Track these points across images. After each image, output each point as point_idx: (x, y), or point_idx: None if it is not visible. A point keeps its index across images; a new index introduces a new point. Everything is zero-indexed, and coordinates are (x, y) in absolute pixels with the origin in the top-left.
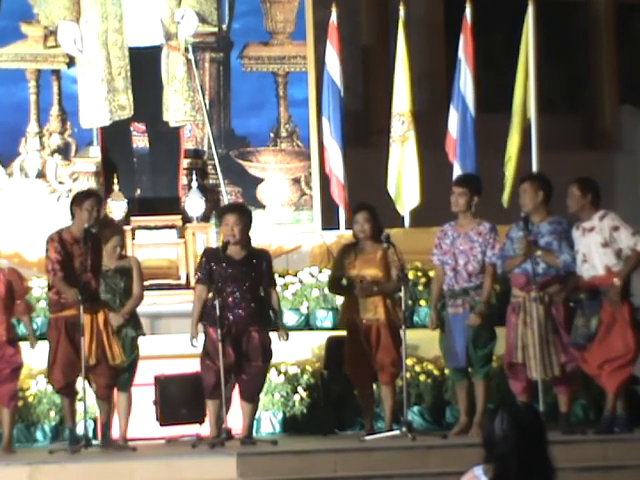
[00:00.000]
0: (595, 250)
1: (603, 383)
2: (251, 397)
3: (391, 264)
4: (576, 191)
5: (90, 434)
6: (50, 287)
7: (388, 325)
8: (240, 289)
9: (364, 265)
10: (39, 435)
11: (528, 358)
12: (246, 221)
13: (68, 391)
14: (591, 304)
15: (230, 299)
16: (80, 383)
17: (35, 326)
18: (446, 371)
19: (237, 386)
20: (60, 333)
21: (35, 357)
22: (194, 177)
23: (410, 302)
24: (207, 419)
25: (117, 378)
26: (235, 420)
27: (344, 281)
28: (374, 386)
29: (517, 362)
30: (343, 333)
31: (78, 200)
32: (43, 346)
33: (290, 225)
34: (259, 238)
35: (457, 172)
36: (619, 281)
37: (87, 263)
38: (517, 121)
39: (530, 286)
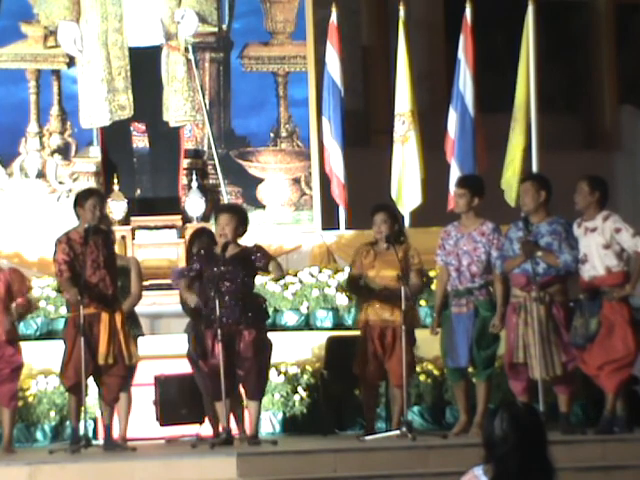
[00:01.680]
0: (596, 251)
1: (602, 383)
2: (251, 394)
3: (411, 266)
4: (585, 187)
5: (90, 434)
6: (60, 290)
7: (405, 327)
8: (230, 288)
9: (383, 266)
10: (39, 435)
11: (530, 358)
12: (238, 221)
13: (77, 390)
14: (590, 305)
15: (220, 299)
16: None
17: (35, 326)
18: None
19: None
20: (77, 332)
21: (35, 357)
22: (194, 177)
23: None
24: (208, 420)
25: (127, 381)
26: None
27: (362, 281)
28: (379, 387)
29: (518, 362)
30: (343, 333)
31: (80, 200)
32: (43, 346)
33: (290, 225)
34: (259, 238)
35: (455, 172)
36: (630, 289)
37: (100, 260)
38: (520, 121)
39: (530, 286)
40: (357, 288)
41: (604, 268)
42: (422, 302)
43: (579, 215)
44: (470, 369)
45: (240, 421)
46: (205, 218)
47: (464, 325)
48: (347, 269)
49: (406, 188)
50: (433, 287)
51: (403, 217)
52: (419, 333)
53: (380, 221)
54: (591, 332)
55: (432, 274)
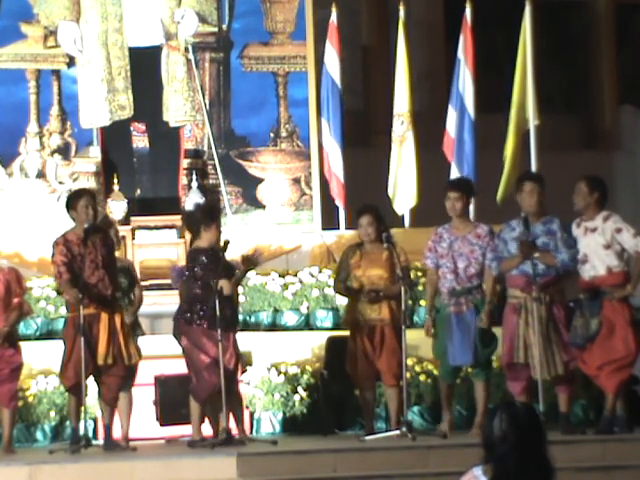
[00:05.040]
0: (597, 251)
1: (602, 383)
2: (235, 392)
3: (396, 265)
4: (584, 188)
5: (90, 434)
6: (60, 291)
7: (392, 326)
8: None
9: (370, 265)
10: (39, 435)
11: (531, 358)
12: None
13: (77, 390)
14: (591, 305)
15: (220, 299)
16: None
17: (35, 326)
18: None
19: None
20: (77, 332)
21: (35, 357)
22: (194, 177)
23: (410, 302)
24: (207, 420)
25: (127, 381)
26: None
27: (349, 282)
28: (375, 386)
29: (519, 361)
30: (343, 333)
31: (71, 203)
32: (43, 346)
33: (290, 225)
34: (259, 238)
35: (454, 172)
36: (632, 289)
37: (98, 260)
38: (514, 122)
39: (530, 287)
40: (346, 289)
41: (605, 268)
42: (422, 302)
43: (579, 215)
44: (469, 369)
45: (240, 421)
46: None
47: (465, 324)
48: (328, 272)
49: (402, 188)
50: None
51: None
52: (419, 333)
53: (367, 223)
54: (591, 332)
55: None
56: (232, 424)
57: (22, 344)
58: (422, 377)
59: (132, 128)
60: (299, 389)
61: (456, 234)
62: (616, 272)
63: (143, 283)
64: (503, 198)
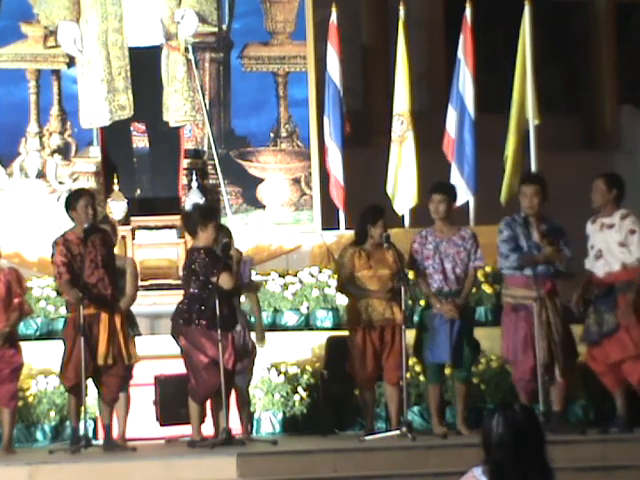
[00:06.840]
0: (612, 247)
1: (608, 382)
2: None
3: (399, 265)
4: (602, 185)
5: (90, 434)
6: (60, 291)
7: (405, 325)
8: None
9: (379, 266)
10: (39, 435)
11: (557, 359)
12: None
13: (77, 390)
14: (605, 301)
15: (220, 298)
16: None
17: (35, 326)
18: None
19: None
20: (77, 332)
21: (35, 357)
22: (194, 177)
23: (410, 302)
24: (208, 419)
25: (127, 381)
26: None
27: (356, 281)
28: (375, 386)
29: (542, 363)
30: (344, 333)
31: (71, 203)
32: (43, 346)
33: (290, 225)
34: (259, 238)
35: (455, 172)
36: None
37: (98, 260)
38: (514, 122)
39: (549, 286)
40: (354, 288)
41: (619, 264)
42: (422, 302)
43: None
44: (448, 371)
45: (245, 421)
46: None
47: (450, 324)
48: (328, 272)
49: (402, 188)
50: None
51: (403, 216)
52: None
53: (382, 225)
54: (607, 328)
55: None
56: (237, 423)
57: (22, 344)
58: (422, 377)
59: (132, 128)
60: (299, 389)
61: (440, 236)
62: (631, 268)
63: (143, 283)
64: (507, 199)
